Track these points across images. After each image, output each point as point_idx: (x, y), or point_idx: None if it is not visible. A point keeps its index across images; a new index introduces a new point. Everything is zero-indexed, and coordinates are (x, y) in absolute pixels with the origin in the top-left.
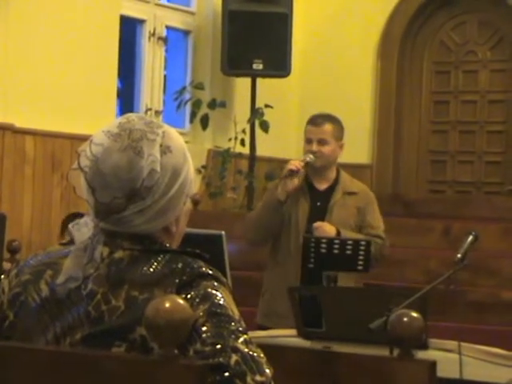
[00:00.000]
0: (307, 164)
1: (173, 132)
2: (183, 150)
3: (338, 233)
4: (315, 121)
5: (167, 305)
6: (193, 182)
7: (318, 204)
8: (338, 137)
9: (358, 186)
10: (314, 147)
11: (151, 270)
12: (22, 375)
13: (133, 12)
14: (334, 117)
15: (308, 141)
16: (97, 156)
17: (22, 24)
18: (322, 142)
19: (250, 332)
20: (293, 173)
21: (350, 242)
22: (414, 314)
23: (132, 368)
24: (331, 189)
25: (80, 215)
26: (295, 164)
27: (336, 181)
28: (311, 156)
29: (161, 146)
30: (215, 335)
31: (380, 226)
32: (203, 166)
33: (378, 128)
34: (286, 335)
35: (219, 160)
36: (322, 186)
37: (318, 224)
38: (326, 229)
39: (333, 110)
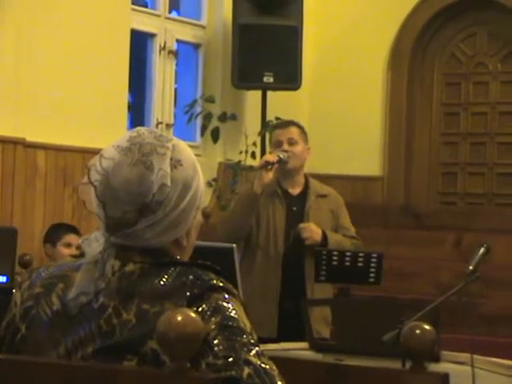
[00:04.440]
0: (280, 160)
1: (182, 145)
2: (193, 163)
3: (324, 233)
4: (281, 124)
5: (179, 318)
6: (203, 195)
7: (294, 209)
8: (305, 140)
9: (327, 189)
10: (286, 147)
11: (162, 283)
12: None
13: (143, 26)
14: (297, 121)
15: (277, 143)
16: (107, 170)
17: (32, 38)
18: (291, 142)
19: (262, 345)
20: (268, 164)
21: (361, 255)
22: (427, 327)
23: (143, 382)
24: (304, 193)
25: (62, 225)
26: (270, 157)
27: (306, 185)
28: (284, 154)
29: (171, 159)
30: (227, 348)
31: (352, 228)
32: (214, 179)
33: (389, 140)
34: (298, 348)
35: (230, 173)
36: (295, 190)
37: (304, 225)
38: (312, 228)
39: (343, 123)
